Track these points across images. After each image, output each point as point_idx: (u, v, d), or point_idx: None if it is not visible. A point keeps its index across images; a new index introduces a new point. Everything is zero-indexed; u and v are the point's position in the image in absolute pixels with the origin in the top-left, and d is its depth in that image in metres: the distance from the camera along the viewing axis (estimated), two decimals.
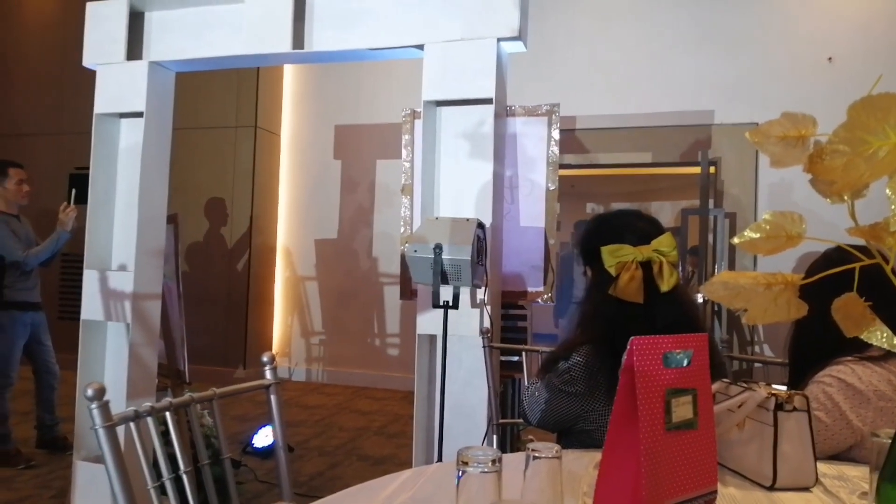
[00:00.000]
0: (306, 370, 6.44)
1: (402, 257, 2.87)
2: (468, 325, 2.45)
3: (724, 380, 1.36)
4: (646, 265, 1.47)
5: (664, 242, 1.48)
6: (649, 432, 0.92)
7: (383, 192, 6.28)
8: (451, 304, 2.31)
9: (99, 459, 2.86)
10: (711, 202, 5.18)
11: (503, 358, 2.84)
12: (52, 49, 6.93)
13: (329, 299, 6.42)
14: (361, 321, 6.31)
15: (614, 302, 1.46)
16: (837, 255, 0.85)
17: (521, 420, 1.95)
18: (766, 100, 5.21)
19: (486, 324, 2.39)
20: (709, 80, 5.42)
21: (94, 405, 0.91)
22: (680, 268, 1.52)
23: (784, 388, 1.29)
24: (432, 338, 2.57)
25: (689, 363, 1.03)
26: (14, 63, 7.16)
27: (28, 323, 3.76)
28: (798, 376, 1.51)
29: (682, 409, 1.01)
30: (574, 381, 1.48)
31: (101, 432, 0.91)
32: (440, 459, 2.31)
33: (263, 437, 3.87)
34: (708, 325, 4.83)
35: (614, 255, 1.47)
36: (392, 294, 6.14)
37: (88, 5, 2.90)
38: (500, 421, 2.20)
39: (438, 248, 2.23)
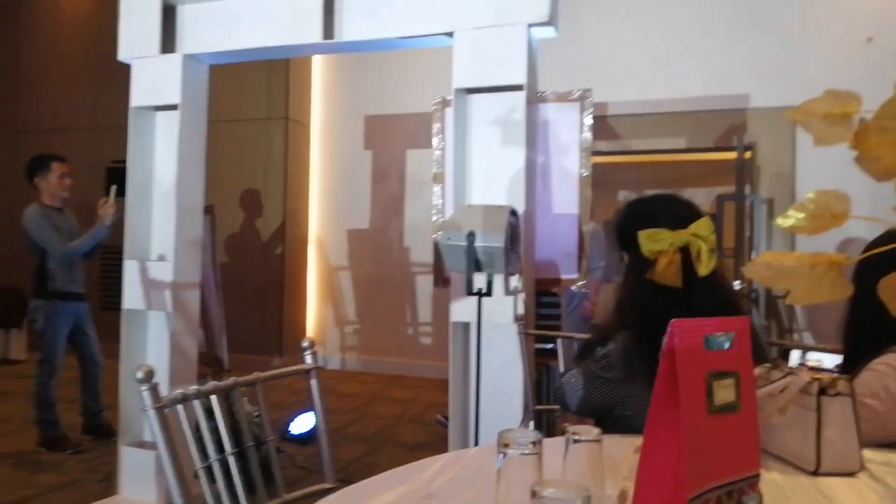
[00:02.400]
0: (341, 359, 6.51)
1: (435, 245, 2.88)
2: (502, 312, 2.46)
3: (766, 364, 1.34)
4: (684, 249, 1.45)
5: (702, 226, 1.46)
6: (691, 415, 0.92)
7: (414, 181, 6.29)
8: (484, 291, 2.31)
9: (143, 445, 2.93)
10: (748, 188, 5.09)
11: (536, 345, 2.84)
12: (87, 44, 7.07)
13: (362, 289, 6.47)
14: (394, 310, 6.35)
15: (652, 287, 1.44)
16: None
17: (557, 406, 1.95)
18: (803, 82, 5.09)
19: (521, 311, 2.38)
20: (744, 62, 5.32)
21: (144, 387, 0.94)
22: (717, 253, 1.50)
23: (828, 372, 1.27)
24: (466, 325, 2.58)
25: (730, 346, 1.02)
26: (51, 60, 7.32)
27: (72, 313, 3.86)
28: (852, 362, 1.48)
29: (724, 392, 1.00)
30: (612, 367, 1.47)
31: (152, 413, 0.94)
32: (476, 444, 2.32)
33: (300, 424, 3.93)
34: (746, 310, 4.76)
35: (651, 240, 1.45)
36: (424, 283, 6.16)
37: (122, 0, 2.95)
38: (537, 407, 2.21)
39: (471, 236, 2.23)
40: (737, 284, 4.80)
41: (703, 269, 1.43)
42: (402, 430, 4.35)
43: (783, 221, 0.88)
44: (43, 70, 7.35)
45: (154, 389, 0.94)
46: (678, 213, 1.52)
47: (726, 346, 1.02)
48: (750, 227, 5.03)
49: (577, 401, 1.57)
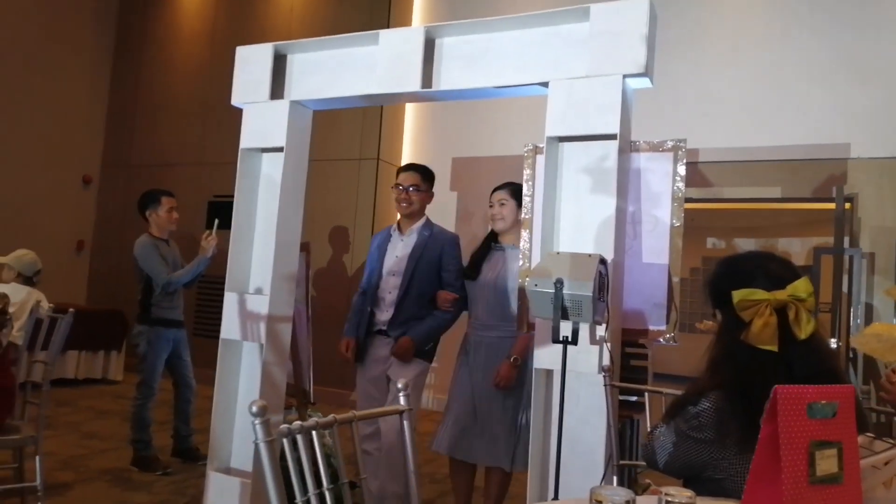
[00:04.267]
0: None
1: (521, 290, 2.90)
2: (587, 361, 2.44)
3: (868, 434, 1.29)
4: (780, 311, 1.42)
5: (800, 287, 1.43)
6: (792, 484, 0.90)
7: None
8: (570, 339, 2.31)
9: (230, 471, 3.04)
10: (847, 241, 4.87)
11: (620, 397, 2.79)
12: (198, 88, 7.56)
13: None
14: None
15: (747, 348, 1.41)
16: None
17: (642, 462, 1.91)
18: None
19: (606, 361, 2.36)
20: (844, 111, 5.14)
21: (257, 421, 1.00)
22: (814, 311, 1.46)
23: None
24: (549, 373, 2.57)
25: (834, 415, 1.00)
26: (166, 101, 7.87)
27: (171, 339, 4.07)
28: None
29: (827, 463, 0.97)
30: (703, 427, 1.44)
31: (263, 446, 1.00)
32: (556, 496, 2.29)
33: None
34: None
35: (746, 300, 1.42)
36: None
37: (238, 49, 3.16)
38: (621, 462, 2.16)
39: (559, 283, 2.24)
40: (833, 342, 4.56)
41: (802, 332, 1.39)
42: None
43: (892, 291, 0.86)
44: (157, 110, 7.91)
45: (266, 424, 1.00)
46: (775, 273, 1.49)
47: (829, 414, 1.00)
48: (849, 282, 4.79)
49: (665, 458, 1.54)
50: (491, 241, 3.25)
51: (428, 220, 3.35)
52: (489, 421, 3.06)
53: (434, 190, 3.46)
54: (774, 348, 1.39)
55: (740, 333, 1.42)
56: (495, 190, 3.23)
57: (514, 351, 3.05)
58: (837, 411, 0.97)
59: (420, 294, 3.20)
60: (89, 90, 8.17)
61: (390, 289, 3.22)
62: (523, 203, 3.19)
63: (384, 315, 3.23)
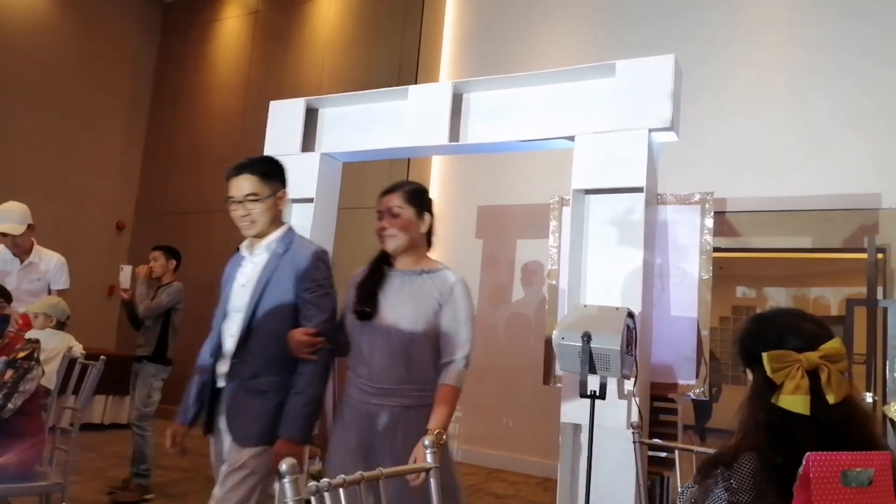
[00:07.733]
0: None
1: (548, 342, 2.88)
2: (615, 416, 2.41)
3: None
4: (812, 373, 1.39)
5: (833, 349, 1.40)
6: None
7: (523, 271, 6.35)
8: (598, 394, 2.28)
9: None
10: (880, 291, 4.77)
11: (650, 453, 2.74)
12: (229, 138, 7.76)
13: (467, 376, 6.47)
14: (497, 400, 6.29)
15: (779, 411, 1.38)
16: None
17: None
18: None
19: (635, 416, 2.33)
20: (875, 160, 5.09)
21: (287, 480, 1.01)
22: (847, 374, 1.43)
23: None
24: (577, 427, 2.54)
25: (870, 483, 0.97)
26: (198, 150, 8.08)
27: (134, 372, 4.38)
28: None
29: None
30: (734, 490, 1.41)
31: None
32: None
33: None
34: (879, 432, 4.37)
35: (778, 362, 1.40)
36: (528, 373, 6.09)
37: (271, 103, 3.26)
38: None
39: (587, 337, 2.23)
40: (868, 396, 4.44)
41: (834, 396, 1.36)
42: None
43: None
44: (191, 158, 8.12)
45: (296, 483, 1.01)
46: (807, 332, 1.46)
47: (865, 482, 0.97)
48: (884, 334, 4.68)
49: None
50: (382, 265, 2.31)
51: (290, 231, 2.35)
52: None
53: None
54: (806, 412, 1.35)
55: (771, 396, 1.39)
56: (384, 193, 2.24)
57: (434, 423, 2.01)
58: (873, 479, 0.95)
59: (268, 337, 2.14)
60: (125, 138, 8.42)
61: (232, 332, 2.18)
62: (549, 254, 3.20)
63: (223, 367, 2.17)
